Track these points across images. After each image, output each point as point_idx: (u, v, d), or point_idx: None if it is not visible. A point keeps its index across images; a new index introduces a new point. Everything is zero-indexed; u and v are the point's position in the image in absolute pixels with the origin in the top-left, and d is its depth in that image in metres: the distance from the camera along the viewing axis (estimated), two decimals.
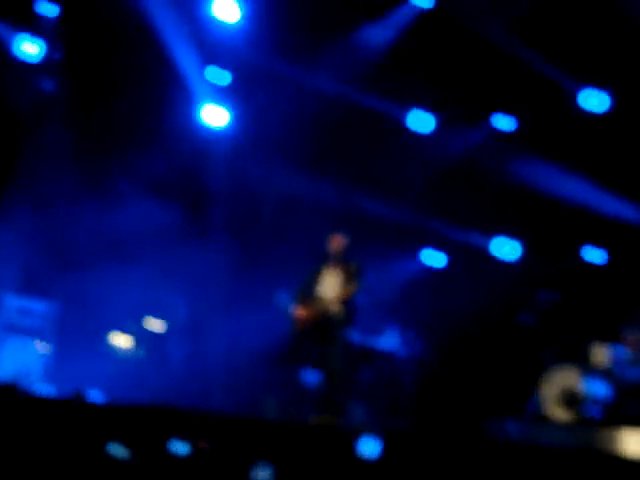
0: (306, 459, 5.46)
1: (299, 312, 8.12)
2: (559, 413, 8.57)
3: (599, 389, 8.51)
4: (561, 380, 8.64)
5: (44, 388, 8.97)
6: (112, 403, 7.55)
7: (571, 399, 8.55)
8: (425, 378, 10.10)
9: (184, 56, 10.40)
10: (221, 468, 5.19)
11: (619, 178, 10.23)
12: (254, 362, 9.87)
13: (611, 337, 8.83)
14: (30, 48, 10.15)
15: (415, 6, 10.55)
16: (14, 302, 9.69)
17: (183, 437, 4.95)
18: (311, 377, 9.10)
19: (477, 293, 10.22)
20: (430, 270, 11.27)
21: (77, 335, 9.80)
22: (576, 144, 10.36)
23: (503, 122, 10.92)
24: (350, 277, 8.01)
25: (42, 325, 9.76)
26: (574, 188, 10.47)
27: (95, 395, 8.74)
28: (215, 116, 10.76)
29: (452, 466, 5.92)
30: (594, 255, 10.82)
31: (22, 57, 10.15)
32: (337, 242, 8.13)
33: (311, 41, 10.41)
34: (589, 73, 10.37)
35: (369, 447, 5.30)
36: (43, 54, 10.26)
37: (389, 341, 9.92)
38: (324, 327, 8.00)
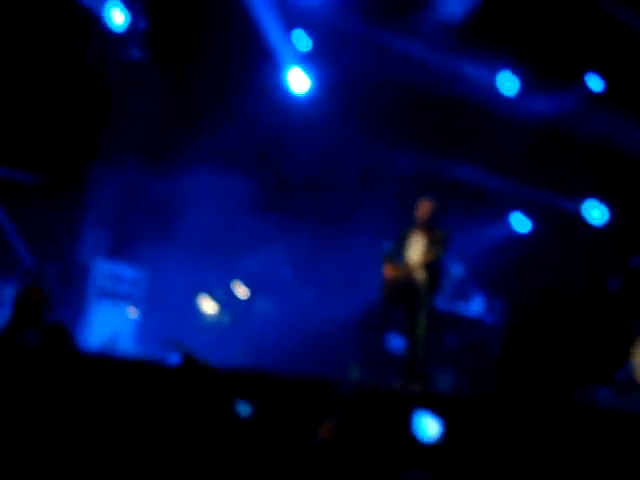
0: (387, 424, 5.46)
1: (387, 271, 8.09)
2: None
3: None
4: None
5: (134, 351, 9.18)
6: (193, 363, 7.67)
7: None
8: (512, 345, 9.98)
9: (268, 20, 10.39)
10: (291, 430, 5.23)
11: None
12: (340, 327, 9.89)
13: None
14: (118, 17, 10.29)
15: None
16: (105, 267, 9.91)
17: (259, 400, 4.98)
18: (397, 342, 9.09)
19: (566, 258, 10.03)
20: (518, 235, 11.10)
21: (166, 300, 9.96)
22: None
23: (593, 83, 10.62)
24: (435, 243, 7.95)
25: (132, 290, 9.97)
26: None
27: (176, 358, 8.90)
28: (298, 81, 10.75)
29: (540, 431, 5.85)
30: None
31: (110, 26, 10.31)
32: (425, 207, 8.07)
33: (395, 4, 10.29)
34: None
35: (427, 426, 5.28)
36: (130, 23, 10.39)
37: (475, 307, 9.83)
38: (409, 291, 7.96)
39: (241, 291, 10.13)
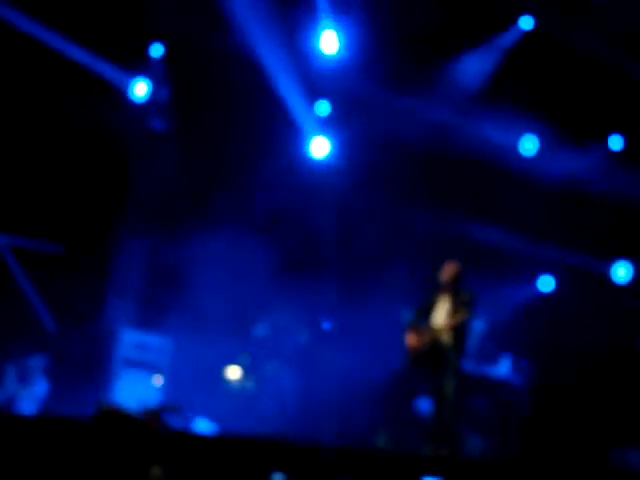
0: None
1: (410, 339, 8.07)
2: None
3: None
4: None
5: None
6: (223, 434, 7.63)
7: None
8: (540, 407, 9.86)
9: (289, 88, 10.53)
10: None
11: None
12: (367, 394, 9.81)
13: None
14: (140, 89, 10.46)
15: (518, 29, 10.48)
16: (132, 337, 9.92)
17: (292, 471, 4.95)
18: (425, 407, 8.99)
19: (592, 318, 9.94)
20: (543, 295, 11.04)
21: (190, 367, 9.94)
22: None
23: (614, 142, 10.65)
24: (461, 305, 7.92)
25: (158, 359, 9.96)
26: None
27: (207, 426, 8.85)
28: (318, 147, 10.86)
29: None
30: None
31: (133, 97, 10.47)
32: (450, 270, 8.07)
33: (413, 69, 10.41)
34: None
35: None
36: (151, 94, 10.56)
37: (503, 369, 9.73)
38: (436, 356, 7.92)
39: (232, 373, 10.08)
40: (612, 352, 9.62)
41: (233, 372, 10.17)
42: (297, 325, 10.29)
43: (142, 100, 10.57)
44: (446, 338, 7.89)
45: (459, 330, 7.91)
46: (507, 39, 10.66)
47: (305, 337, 10.29)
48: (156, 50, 10.67)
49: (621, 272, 10.80)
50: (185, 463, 5.53)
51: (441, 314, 8.04)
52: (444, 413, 7.86)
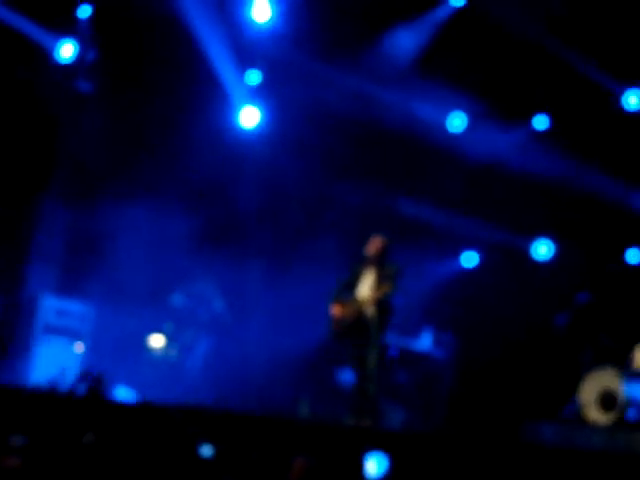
0: (337, 458, 5.45)
1: (335, 311, 8.12)
2: (597, 416, 8.47)
3: (638, 392, 8.39)
4: (599, 382, 8.53)
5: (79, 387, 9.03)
6: (144, 403, 7.59)
7: (610, 402, 8.44)
8: (460, 380, 10.04)
9: (219, 56, 10.42)
10: (252, 468, 5.19)
11: None
12: (289, 362, 9.86)
13: None
14: (66, 50, 10.24)
15: (449, 5, 10.53)
16: (53, 303, 9.78)
17: (211, 438, 4.94)
18: (347, 378, 9.09)
19: (513, 294, 10.14)
20: (466, 271, 11.20)
21: (112, 335, 9.85)
22: (616, 144, 10.24)
23: (541, 121, 10.82)
24: (385, 279, 7.99)
25: (79, 326, 9.85)
26: (611, 188, 10.35)
27: (127, 394, 8.80)
28: (248, 117, 10.79)
29: (486, 469, 5.87)
30: (632, 255, 10.68)
31: (59, 59, 10.24)
32: (376, 244, 8.13)
33: (345, 40, 10.39)
34: (628, 72, 10.25)
35: (376, 463, 5.28)
36: (78, 56, 10.35)
37: (425, 343, 9.88)
38: (359, 328, 7.98)
39: (155, 341, 10.02)
40: (530, 328, 9.82)
41: (156, 340, 10.11)
42: (213, 294, 10.22)
43: (68, 61, 10.34)
44: (370, 311, 7.95)
45: (383, 303, 7.99)
46: (439, 15, 10.71)
47: (221, 306, 10.24)
48: (83, 11, 10.45)
49: (542, 249, 11.02)
50: (109, 431, 5.48)
51: (366, 287, 8.10)
52: (366, 385, 7.95)
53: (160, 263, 10.11)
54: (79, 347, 9.81)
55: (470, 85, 10.34)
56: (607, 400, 8.46)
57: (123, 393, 8.90)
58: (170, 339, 10.11)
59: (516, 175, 10.34)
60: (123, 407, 6.82)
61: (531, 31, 10.06)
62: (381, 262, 8.09)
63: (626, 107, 10.52)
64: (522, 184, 10.40)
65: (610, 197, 10.31)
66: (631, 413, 8.41)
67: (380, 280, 8.02)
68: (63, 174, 10.52)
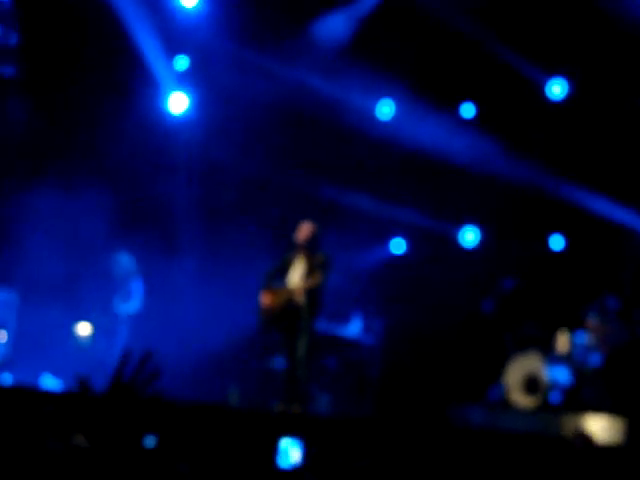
0: (265, 446, 5.45)
1: (264, 299, 8.11)
2: (522, 399, 8.65)
3: (561, 375, 8.60)
4: (524, 366, 8.71)
5: (3, 377, 8.87)
6: (69, 390, 7.49)
7: (534, 385, 8.63)
8: (389, 365, 10.13)
9: (146, 41, 10.29)
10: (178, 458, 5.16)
11: (582, 166, 10.32)
12: (218, 351, 9.81)
13: (573, 324, 8.91)
14: None
15: None
16: None
17: (148, 428, 4.89)
18: (277, 364, 9.09)
19: (440, 280, 10.25)
20: (394, 258, 11.30)
21: (36, 323, 9.67)
22: (539, 131, 10.44)
23: (466, 109, 10.96)
24: (316, 267, 7.98)
25: (3, 314, 9.65)
26: (535, 175, 10.53)
27: (52, 382, 8.67)
28: (176, 103, 10.69)
29: (414, 452, 5.95)
30: (555, 242, 10.91)
31: None
32: (306, 230, 8.10)
33: (274, 26, 10.35)
34: (551, 61, 10.44)
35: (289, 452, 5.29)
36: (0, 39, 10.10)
37: (354, 329, 9.94)
38: (289, 315, 7.99)
39: (82, 329, 9.89)
40: (457, 313, 9.95)
41: (83, 328, 9.97)
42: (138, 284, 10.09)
43: None
44: (300, 299, 7.96)
45: (314, 291, 8.00)
46: (367, 2, 10.74)
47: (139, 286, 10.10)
48: None
49: (469, 236, 11.18)
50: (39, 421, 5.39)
51: (296, 275, 8.09)
52: (296, 371, 7.97)
53: (79, 251, 9.93)
54: (1, 335, 9.61)
55: (398, 73, 10.40)
56: (531, 384, 8.65)
57: (49, 382, 8.77)
58: (96, 327, 9.98)
59: (443, 162, 10.45)
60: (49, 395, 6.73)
61: (458, 19, 10.17)
62: (311, 249, 8.08)
63: (550, 96, 10.74)
64: (449, 171, 10.53)
65: (534, 184, 10.49)
66: (554, 396, 8.61)
67: (310, 269, 8.02)
68: None
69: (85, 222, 9.94)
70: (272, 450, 5.33)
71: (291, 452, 5.30)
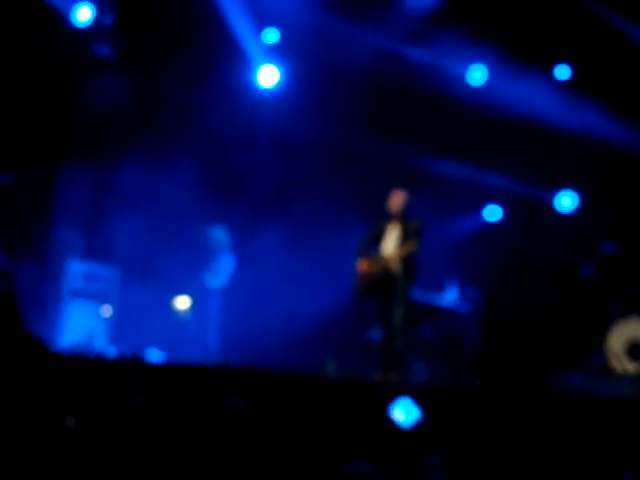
0: (368, 415, 5.48)
1: (362, 266, 8.11)
2: (624, 365, 8.47)
3: None
4: (627, 332, 8.53)
5: (109, 350, 9.13)
6: (171, 363, 7.67)
7: (636, 351, 8.44)
8: (486, 334, 10.05)
9: (236, 15, 10.35)
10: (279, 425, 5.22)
11: None
12: (314, 321, 9.89)
13: None
14: (83, 13, 10.19)
15: None
16: (79, 267, 9.84)
17: (240, 394, 4.98)
18: (373, 334, 9.10)
19: (536, 246, 10.10)
20: (490, 225, 11.16)
21: (139, 298, 9.90)
22: (638, 91, 10.12)
23: (561, 71, 10.70)
24: (410, 235, 7.96)
25: (106, 289, 9.91)
26: (634, 136, 10.24)
27: (155, 355, 8.88)
28: (266, 76, 10.73)
29: (514, 418, 5.90)
30: None
31: (76, 22, 10.20)
32: (398, 199, 8.09)
33: None
34: None
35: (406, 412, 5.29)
36: (96, 19, 10.30)
37: (449, 297, 9.87)
38: (385, 284, 7.98)
39: (181, 303, 10.03)
40: (556, 280, 9.79)
41: (182, 302, 10.15)
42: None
43: (86, 25, 10.30)
44: (396, 268, 7.94)
45: (408, 260, 7.98)
46: None
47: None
48: None
49: (566, 201, 10.96)
50: (139, 392, 5.54)
51: (390, 243, 8.08)
52: (393, 341, 7.97)
53: (171, 225, 10.09)
54: (106, 310, 9.88)
55: (489, 36, 10.22)
56: (634, 350, 8.47)
57: (154, 355, 8.98)
58: (195, 301, 10.15)
59: (537, 127, 10.26)
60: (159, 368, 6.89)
61: None
62: (404, 217, 8.06)
63: None
64: (543, 136, 10.33)
65: (633, 146, 10.21)
66: None
67: (404, 237, 8.00)
68: (87, 136, 10.51)
69: (175, 196, 10.11)
70: (376, 418, 5.37)
71: (409, 411, 5.33)
